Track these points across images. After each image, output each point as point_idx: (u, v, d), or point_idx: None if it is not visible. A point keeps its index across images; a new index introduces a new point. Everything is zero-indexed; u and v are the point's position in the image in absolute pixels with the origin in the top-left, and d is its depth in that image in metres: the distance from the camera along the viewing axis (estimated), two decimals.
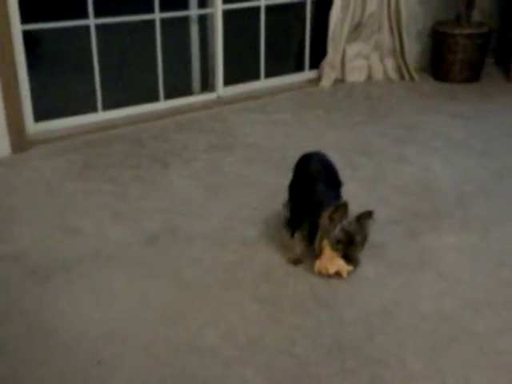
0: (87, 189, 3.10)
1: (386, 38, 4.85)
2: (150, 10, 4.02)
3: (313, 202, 2.45)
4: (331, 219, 2.30)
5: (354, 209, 2.33)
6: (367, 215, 2.33)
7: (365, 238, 2.35)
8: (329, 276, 2.34)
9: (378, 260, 2.49)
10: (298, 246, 2.46)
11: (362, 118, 4.13)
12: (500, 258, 2.52)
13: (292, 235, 2.50)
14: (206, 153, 3.55)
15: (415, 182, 3.20)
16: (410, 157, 3.50)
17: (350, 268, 2.35)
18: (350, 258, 2.34)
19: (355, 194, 2.98)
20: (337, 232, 2.30)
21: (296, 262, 2.46)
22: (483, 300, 2.26)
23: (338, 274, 2.35)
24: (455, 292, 2.31)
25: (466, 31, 4.67)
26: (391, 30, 4.83)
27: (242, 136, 3.81)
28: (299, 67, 4.92)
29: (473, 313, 2.19)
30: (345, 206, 2.31)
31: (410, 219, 2.82)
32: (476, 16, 4.94)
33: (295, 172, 2.67)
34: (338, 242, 2.31)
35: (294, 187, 2.64)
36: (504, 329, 2.11)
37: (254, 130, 3.90)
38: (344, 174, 2.78)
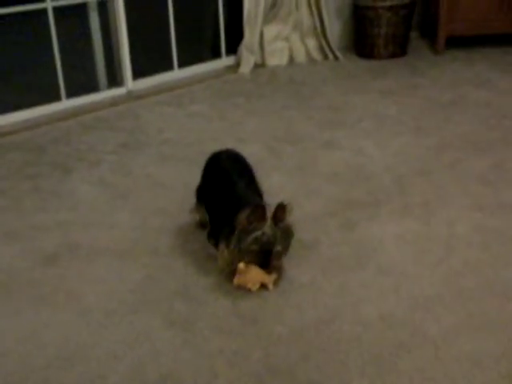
0: None
1: (304, 16, 4.55)
2: None
3: (232, 203, 2.07)
4: (248, 223, 1.93)
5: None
6: (281, 212, 1.95)
7: (287, 244, 2.00)
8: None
9: (311, 261, 2.17)
10: (221, 257, 2.08)
11: (286, 102, 3.80)
12: (448, 245, 2.23)
13: (216, 245, 2.13)
14: (114, 154, 3.15)
15: (347, 167, 2.89)
16: (340, 141, 3.19)
17: (274, 276, 2.01)
18: (269, 267, 1.98)
19: (281, 187, 2.67)
20: (248, 243, 1.94)
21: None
22: (433, 296, 1.96)
23: (263, 286, 2.01)
24: (400, 290, 2.00)
25: (389, 3, 4.40)
26: (310, 7, 4.53)
27: (155, 133, 3.42)
28: (215, 54, 4.56)
29: (422, 312, 1.89)
30: (262, 208, 1.95)
31: (345, 210, 2.50)
32: None
33: (205, 173, 2.33)
34: (252, 253, 1.96)
35: (206, 190, 2.30)
36: (460, 328, 1.81)
37: (168, 125, 3.52)
38: (268, 164, 2.46)
